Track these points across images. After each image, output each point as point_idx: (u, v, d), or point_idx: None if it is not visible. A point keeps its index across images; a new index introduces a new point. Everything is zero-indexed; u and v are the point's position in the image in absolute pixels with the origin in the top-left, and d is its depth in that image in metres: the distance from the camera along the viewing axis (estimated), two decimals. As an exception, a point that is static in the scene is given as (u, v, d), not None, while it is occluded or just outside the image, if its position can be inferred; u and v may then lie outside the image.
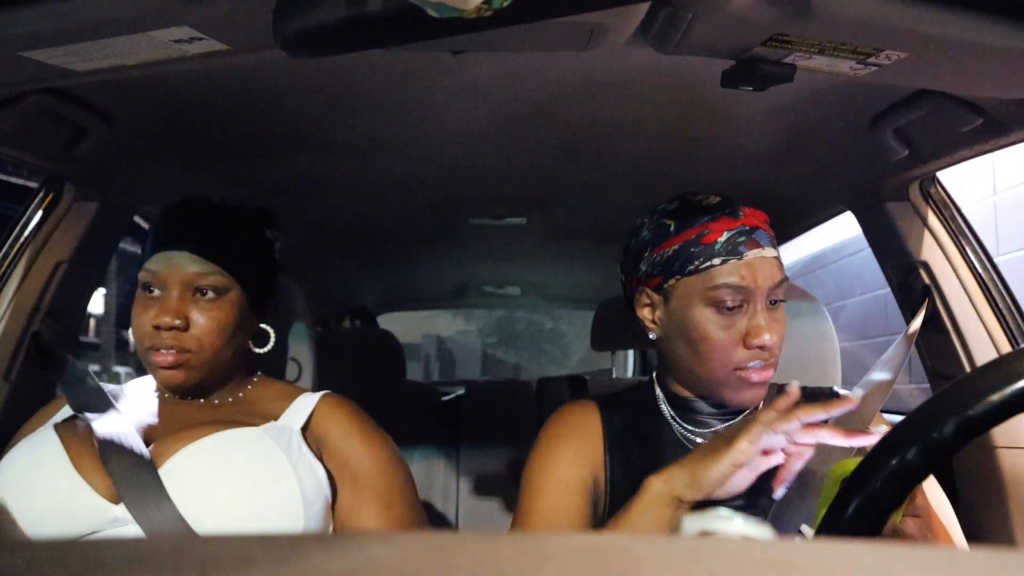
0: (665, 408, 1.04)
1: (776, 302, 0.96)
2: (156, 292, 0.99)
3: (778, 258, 0.97)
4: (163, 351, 0.97)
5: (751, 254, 0.93)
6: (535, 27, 0.69)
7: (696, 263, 0.94)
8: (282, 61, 0.74)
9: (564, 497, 0.98)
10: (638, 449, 1.02)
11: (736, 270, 0.93)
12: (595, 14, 0.70)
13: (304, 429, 1.02)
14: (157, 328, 0.97)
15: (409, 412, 2.17)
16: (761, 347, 0.93)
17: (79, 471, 0.91)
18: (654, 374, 1.09)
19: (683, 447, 1.00)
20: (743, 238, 0.94)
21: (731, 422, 1.02)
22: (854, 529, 0.54)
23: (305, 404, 1.05)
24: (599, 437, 1.02)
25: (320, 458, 1.01)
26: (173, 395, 1.06)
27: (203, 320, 0.98)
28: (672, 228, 0.97)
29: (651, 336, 1.02)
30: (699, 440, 1.01)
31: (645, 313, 1.02)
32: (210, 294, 0.99)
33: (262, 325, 1.09)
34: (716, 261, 0.93)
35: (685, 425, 1.03)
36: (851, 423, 0.96)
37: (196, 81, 1.04)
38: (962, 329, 1.28)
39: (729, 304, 0.93)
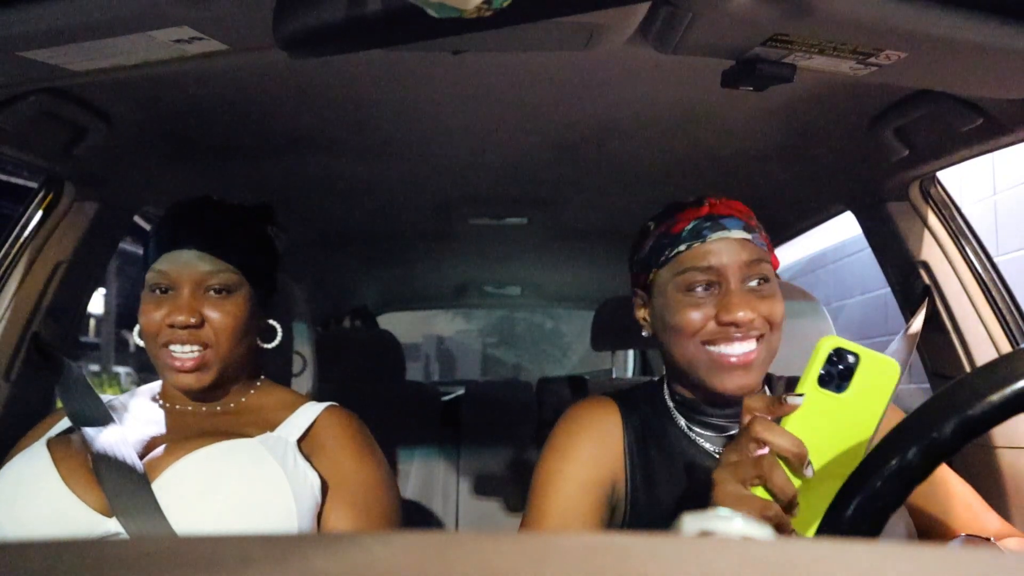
0: (673, 409, 1.03)
1: (761, 282, 0.95)
2: (167, 292, 0.99)
3: (751, 240, 0.96)
4: (181, 355, 0.97)
5: (715, 236, 0.94)
6: (535, 27, 0.69)
7: (666, 253, 0.96)
8: (282, 61, 0.74)
9: (578, 497, 0.95)
10: (656, 452, 0.99)
11: (701, 253, 0.94)
12: (595, 14, 0.70)
13: (301, 439, 1.01)
14: (172, 327, 0.97)
15: (409, 412, 2.17)
16: (733, 323, 0.92)
17: (70, 485, 0.90)
18: (665, 375, 1.08)
19: (696, 448, 0.99)
20: (708, 223, 0.95)
21: (733, 431, 1.00)
22: (854, 529, 0.54)
23: (307, 415, 1.04)
24: (619, 438, 1.00)
25: (313, 464, 1.00)
26: (174, 402, 1.06)
27: (217, 317, 0.98)
28: (651, 227, 1.01)
29: (643, 334, 1.04)
30: (708, 445, 0.99)
31: (640, 313, 1.04)
32: (222, 292, 0.99)
33: (270, 321, 1.10)
34: (682, 247, 0.95)
35: (692, 427, 1.01)
36: None
37: (196, 81, 1.04)
38: (962, 329, 1.28)
39: (700, 287, 0.94)
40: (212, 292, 0.99)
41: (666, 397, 1.05)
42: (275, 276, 1.11)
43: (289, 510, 0.93)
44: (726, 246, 0.94)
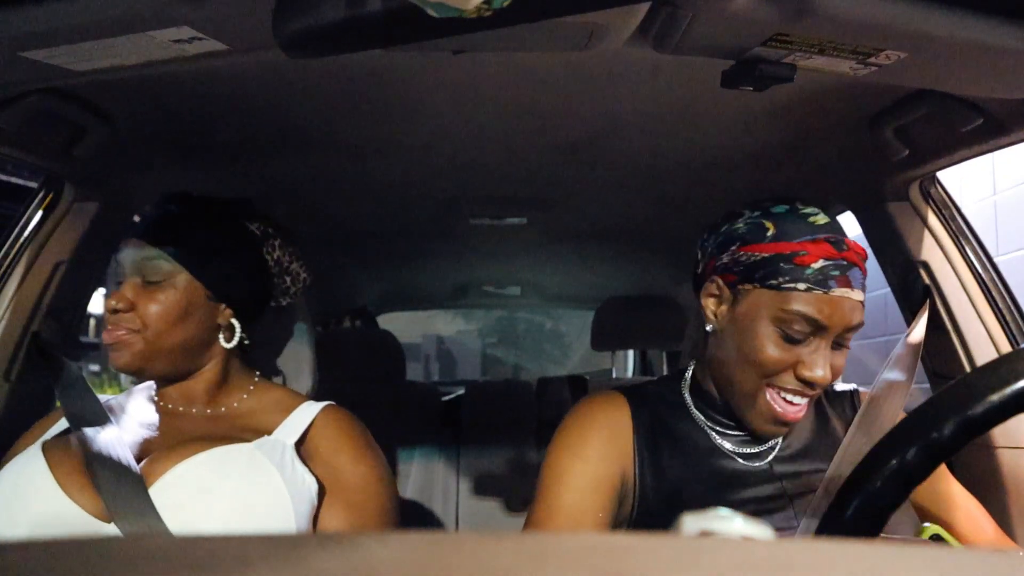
0: (693, 406, 1.01)
1: (841, 346, 0.92)
2: (120, 279, 1.03)
3: (863, 303, 0.92)
4: (110, 333, 1.00)
5: (838, 291, 0.89)
6: (535, 27, 0.69)
7: (780, 279, 0.89)
8: (282, 61, 0.74)
9: (587, 494, 0.94)
10: (668, 448, 0.98)
11: (817, 303, 0.88)
12: (595, 14, 0.70)
13: (299, 442, 1.01)
14: (107, 312, 1.01)
15: (409, 412, 2.17)
16: (809, 382, 0.90)
17: (66, 490, 0.90)
18: (690, 370, 1.05)
19: (712, 445, 0.98)
20: (836, 272, 0.89)
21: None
22: (854, 529, 0.54)
23: (304, 416, 1.04)
24: (628, 433, 0.98)
25: (310, 466, 1.00)
26: (170, 404, 1.05)
27: (145, 304, 1.00)
28: (770, 233, 0.92)
29: (707, 327, 0.99)
30: (726, 444, 0.98)
31: (709, 303, 0.98)
32: (154, 278, 1.01)
33: (232, 320, 1.06)
34: (801, 286, 0.88)
35: (713, 426, 1.00)
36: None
37: (196, 81, 1.04)
38: (962, 329, 1.28)
39: (797, 333, 0.89)
40: (147, 280, 1.01)
41: (685, 393, 1.03)
42: (251, 274, 1.07)
43: (287, 515, 0.92)
44: (843, 305, 0.89)
